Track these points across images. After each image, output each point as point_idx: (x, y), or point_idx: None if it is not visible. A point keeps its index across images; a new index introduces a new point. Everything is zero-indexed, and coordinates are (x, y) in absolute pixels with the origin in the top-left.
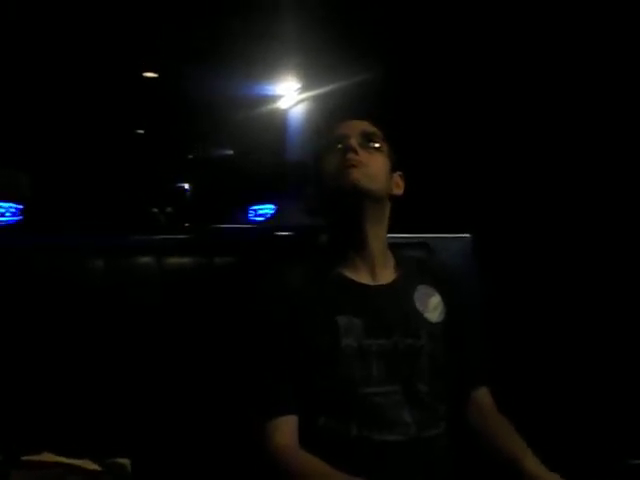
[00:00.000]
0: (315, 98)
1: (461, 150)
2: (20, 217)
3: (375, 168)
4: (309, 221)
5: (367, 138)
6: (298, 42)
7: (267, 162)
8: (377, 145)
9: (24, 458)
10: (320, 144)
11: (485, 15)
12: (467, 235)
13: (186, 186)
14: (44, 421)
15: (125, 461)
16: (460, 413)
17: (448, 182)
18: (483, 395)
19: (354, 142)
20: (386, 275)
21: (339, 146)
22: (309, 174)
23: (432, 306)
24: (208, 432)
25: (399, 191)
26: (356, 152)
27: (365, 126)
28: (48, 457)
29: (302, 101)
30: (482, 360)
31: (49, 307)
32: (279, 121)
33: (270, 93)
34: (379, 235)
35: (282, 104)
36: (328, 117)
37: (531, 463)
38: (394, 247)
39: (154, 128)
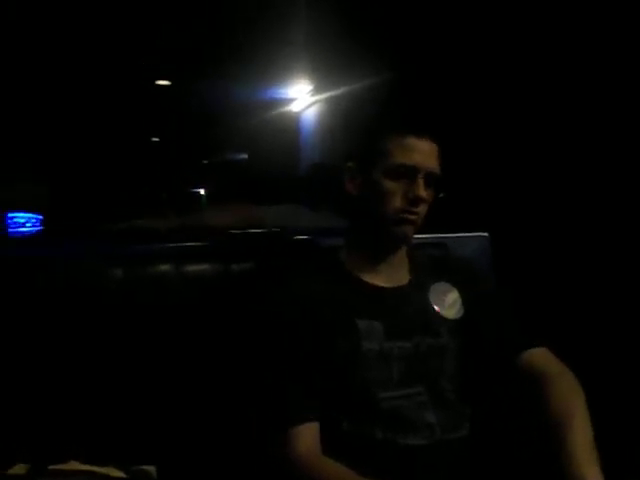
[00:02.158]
0: (327, 100)
1: (478, 149)
2: (40, 227)
3: (423, 216)
4: (325, 224)
5: (431, 180)
6: (309, 44)
7: (281, 164)
8: (432, 189)
9: (51, 467)
10: (383, 149)
11: (498, 17)
12: (485, 234)
13: (202, 191)
14: (71, 430)
15: (150, 468)
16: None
17: (465, 181)
18: (530, 359)
19: (422, 188)
20: (402, 276)
21: (406, 177)
22: (349, 171)
23: (449, 303)
24: (231, 439)
25: None
26: (423, 203)
27: (434, 162)
28: (74, 466)
29: (314, 103)
30: (516, 327)
31: (69, 316)
32: (292, 124)
33: (282, 96)
34: (402, 248)
35: (295, 107)
36: (376, 110)
37: (571, 445)
38: (411, 247)
39: (169, 135)
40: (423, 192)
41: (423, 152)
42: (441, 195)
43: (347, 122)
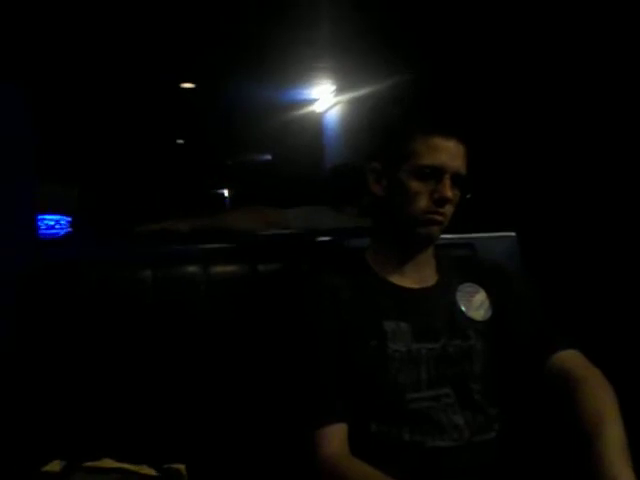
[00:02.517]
0: (351, 100)
1: (505, 148)
2: (69, 229)
3: (450, 216)
4: (348, 224)
5: (458, 180)
6: (332, 44)
7: (305, 165)
8: (459, 189)
9: (85, 464)
10: (409, 150)
11: (524, 17)
12: (512, 234)
13: (225, 192)
14: (105, 429)
15: (181, 466)
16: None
17: (492, 180)
18: (561, 362)
19: (448, 189)
20: (429, 277)
21: (432, 177)
22: (374, 172)
23: (476, 304)
24: (260, 438)
25: None
26: (449, 203)
27: (461, 162)
28: (107, 463)
29: (337, 104)
30: (547, 329)
31: (99, 317)
32: (316, 124)
33: (305, 97)
34: (429, 246)
35: (317, 107)
36: (401, 110)
37: (602, 446)
38: (438, 247)
39: (193, 137)
40: (449, 192)
41: (450, 152)
42: (468, 196)
43: (371, 122)
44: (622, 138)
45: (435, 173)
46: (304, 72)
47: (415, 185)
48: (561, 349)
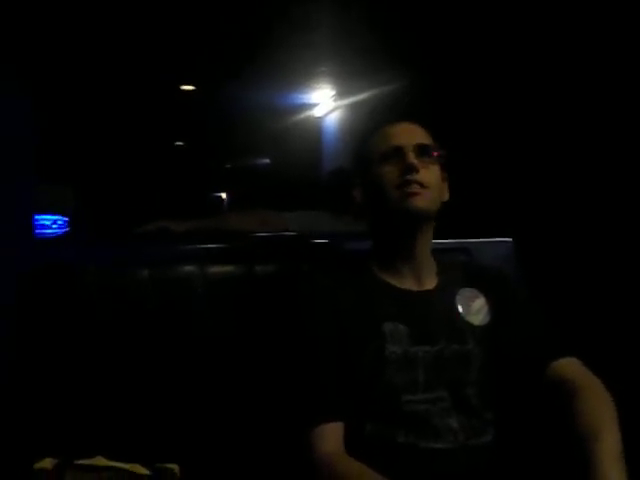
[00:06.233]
0: (350, 105)
1: (501, 153)
2: (66, 229)
3: (433, 187)
4: (345, 228)
5: (423, 150)
6: (332, 49)
7: (303, 169)
8: (433, 156)
9: (78, 462)
10: (370, 151)
11: (525, 23)
12: (509, 239)
13: (223, 195)
14: (98, 427)
15: (174, 466)
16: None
17: (488, 185)
18: (560, 370)
19: (412, 157)
20: (429, 281)
21: (395, 158)
22: (353, 181)
23: (475, 309)
24: (255, 438)
25: (447, 196)
26: (417, 170)
27: (420, 137)
28: (100, 461)
29: (337, 108)
30: (546, 337)
31: (96, 317)
32: (314, 129)
33: (305, 101)
34: (427, 243)
35: (317, 112)
36: (372, 120)
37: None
38: (436, 252)
39: (192, 140)
40: (414, 160)
41: (403, 132)
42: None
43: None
44: (620, 143)
45: (397, 154)
46: (304, 76)
47: (382, 171)
48: (560, 357)
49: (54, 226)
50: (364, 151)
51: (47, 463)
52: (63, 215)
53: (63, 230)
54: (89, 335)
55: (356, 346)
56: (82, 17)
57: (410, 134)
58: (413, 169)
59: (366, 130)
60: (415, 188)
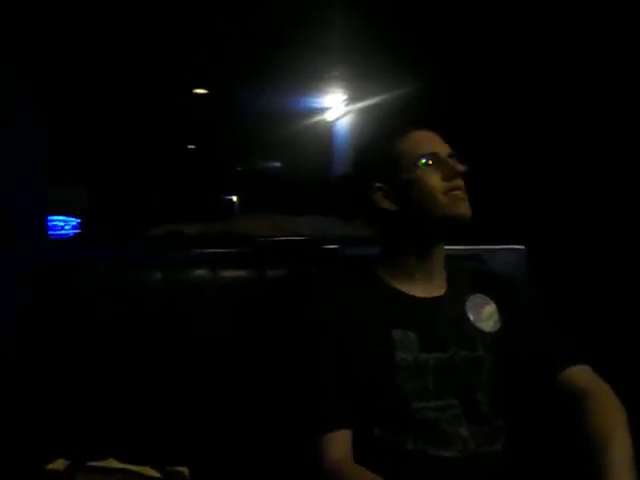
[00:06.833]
0: (361, 109)
1: (515, 161)
2: (78, 230)
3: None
4: (354, 232)
5: (454, 158)
6: (344, 54)
7: (314, 173)
8: (463, 164)
9: (90, 463)
10: (401, 155)
11: (537, 25)
12: (521, 247)
13: (234, 198)
14: (110, 430)
15: (184, 469)
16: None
17: (501, 193)
18: (571, 377)
19: (456, 163)
20: (439, 287)
21: (435, 164)
22: (370, 185)
23: (486, 315)
24: (264, 443)
25: None
26: (463, 176)
27: (447, 146)
28: (112, 463)
29: (348, 113)
30: (558, 344)
31: (106, 319)
32: (326, 133)
33: (317, 105)
34: (443, 250)
35: (329, 116)
36: (384, 125)
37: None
38: (446, 258)
39: (204, 143)
40: (459, 165)
41: (434, 138)
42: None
43: (362, 148)
44: (633, 152)
45: (433, 160)
46: (316, 81)
47: (424, 175)
48: (571, 364)
49: (66, 227)
50: (392, 155)
51: (59, 464)
52: (75, 216)
53: (75, 231)
54: (100, 336)
55: (364, 353)
56: (97, 20)
57: (440, 141)
58: (459, 175)
59: (383, 134)
60: (462, 194)
